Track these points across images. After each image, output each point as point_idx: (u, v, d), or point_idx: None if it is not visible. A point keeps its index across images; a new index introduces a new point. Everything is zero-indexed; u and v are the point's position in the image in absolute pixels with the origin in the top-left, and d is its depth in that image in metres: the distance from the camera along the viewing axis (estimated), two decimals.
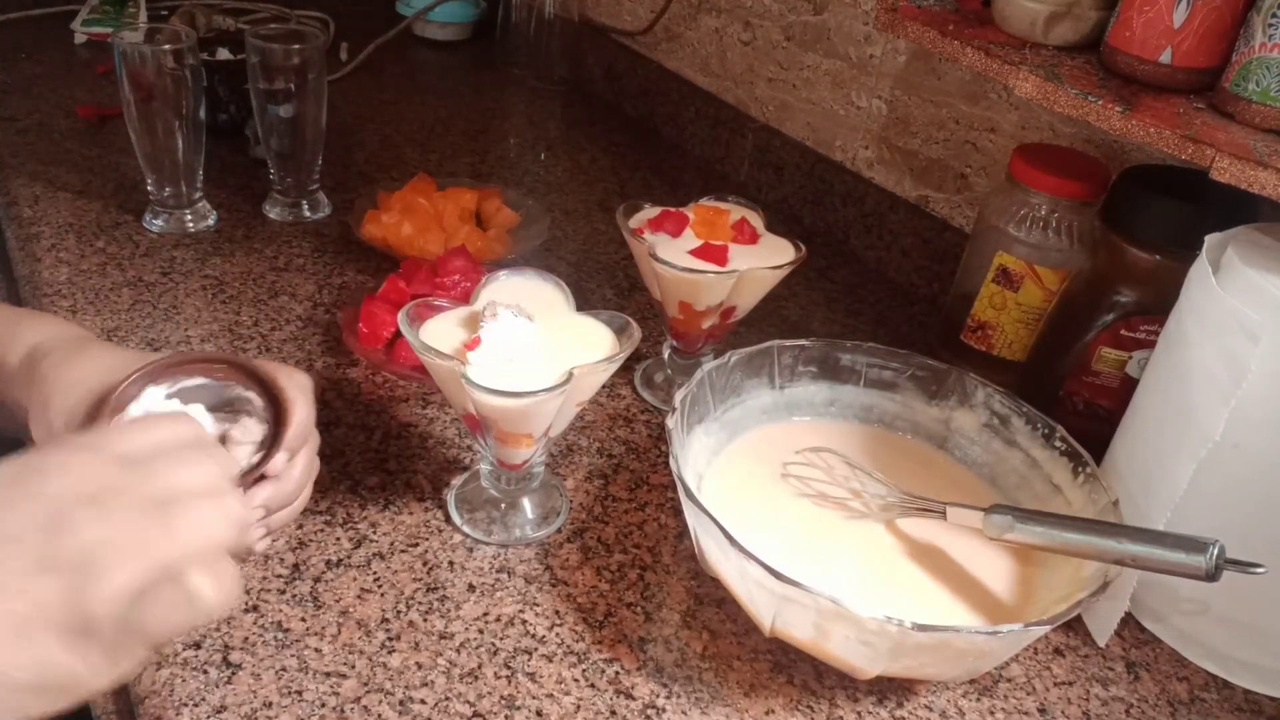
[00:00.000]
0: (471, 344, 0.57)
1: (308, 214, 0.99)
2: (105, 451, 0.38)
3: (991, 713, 0.58)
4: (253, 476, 0.46)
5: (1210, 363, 0.56)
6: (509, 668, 0.56)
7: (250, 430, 0.48)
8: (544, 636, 0.58)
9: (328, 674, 0.54)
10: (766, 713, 0.55)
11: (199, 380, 0.49)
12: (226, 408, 0.49)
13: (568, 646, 0.57)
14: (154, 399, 0.48)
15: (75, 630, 0.34)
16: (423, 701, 0.53)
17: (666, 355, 0.80)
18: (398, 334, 0.76)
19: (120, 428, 0.41)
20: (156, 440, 0.39)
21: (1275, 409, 0.55)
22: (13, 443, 0.61)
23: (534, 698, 0.54)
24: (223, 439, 0.47)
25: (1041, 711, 0.58)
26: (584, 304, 0.62)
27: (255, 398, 0.49)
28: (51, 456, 0.38)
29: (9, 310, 0.59)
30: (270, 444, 0.47)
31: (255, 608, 0.57)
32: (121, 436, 0.39)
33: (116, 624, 0.35)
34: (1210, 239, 0.59)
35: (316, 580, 0.59)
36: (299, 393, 0.49)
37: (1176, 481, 0.57)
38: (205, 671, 0.53)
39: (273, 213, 0.98)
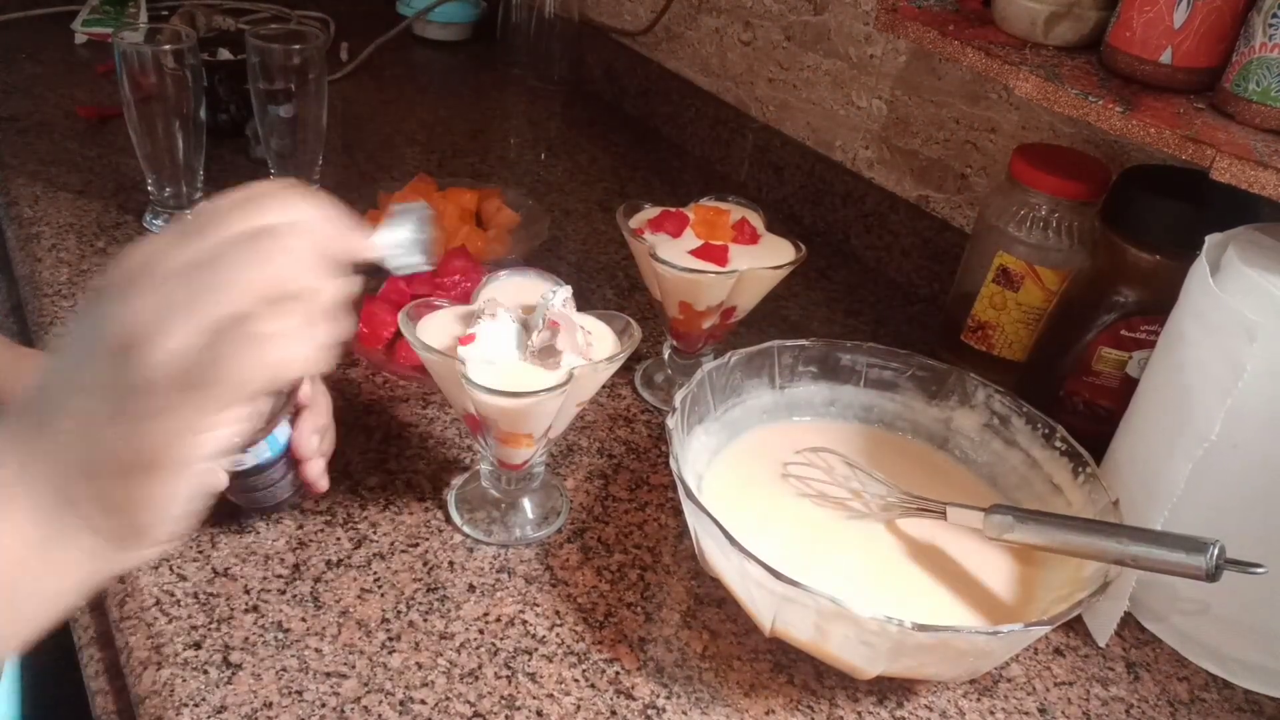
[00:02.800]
0: (465, 339, 0.57)
1: None
2: (171, 233, 0.37)
3: (991, 713, 0.58)
4: (290, 407, 0.54)
5: (1208, 362, 0.56)
6: (509, 668, 0.56)
7: None
8: (544, 637, 0.58)
9: (328, 674, 0.54)
10: (766, 713, 0.55)
11: None
12: None
13: (568, 647, 0.57)
14: None
15: (125, 414, 0.35)
16: (423, 702, 0.53)
17: (666, 355, 0.80)
18: (398, 334, 0.76)
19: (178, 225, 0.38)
20: (226, 210, 0.37)
21: (1272, 408, 0.55)
22: None
23: (534, 698, 0.54)
24: None
25: (1041, 711, 0.58)
26: (584, 304, 0.62)
27: None
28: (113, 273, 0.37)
29: (13, 355, 0.60)
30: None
31: (255, 608, 0.57)
32: (194, 218, 0.37)
33: (181, 383, 0.34)
34: (1210, 239, 0.59)
35: (317, 580, 0.59)
36: None
37: (1174, 481, 0.57)
38: (205, 671, 0.53)
39: None
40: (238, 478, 0.56)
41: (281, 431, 0.57)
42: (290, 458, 0.58)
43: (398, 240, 0.46)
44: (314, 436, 0.56)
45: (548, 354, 0.57)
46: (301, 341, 0.36)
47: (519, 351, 0.58)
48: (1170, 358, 0.60)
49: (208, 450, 0.36)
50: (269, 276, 0.35)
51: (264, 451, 0.56)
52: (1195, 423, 0.56)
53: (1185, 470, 0.56)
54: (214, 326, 0.34)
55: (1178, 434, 0.57)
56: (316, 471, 0.58)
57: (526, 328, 0.59)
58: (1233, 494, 0.58)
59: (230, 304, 0.35)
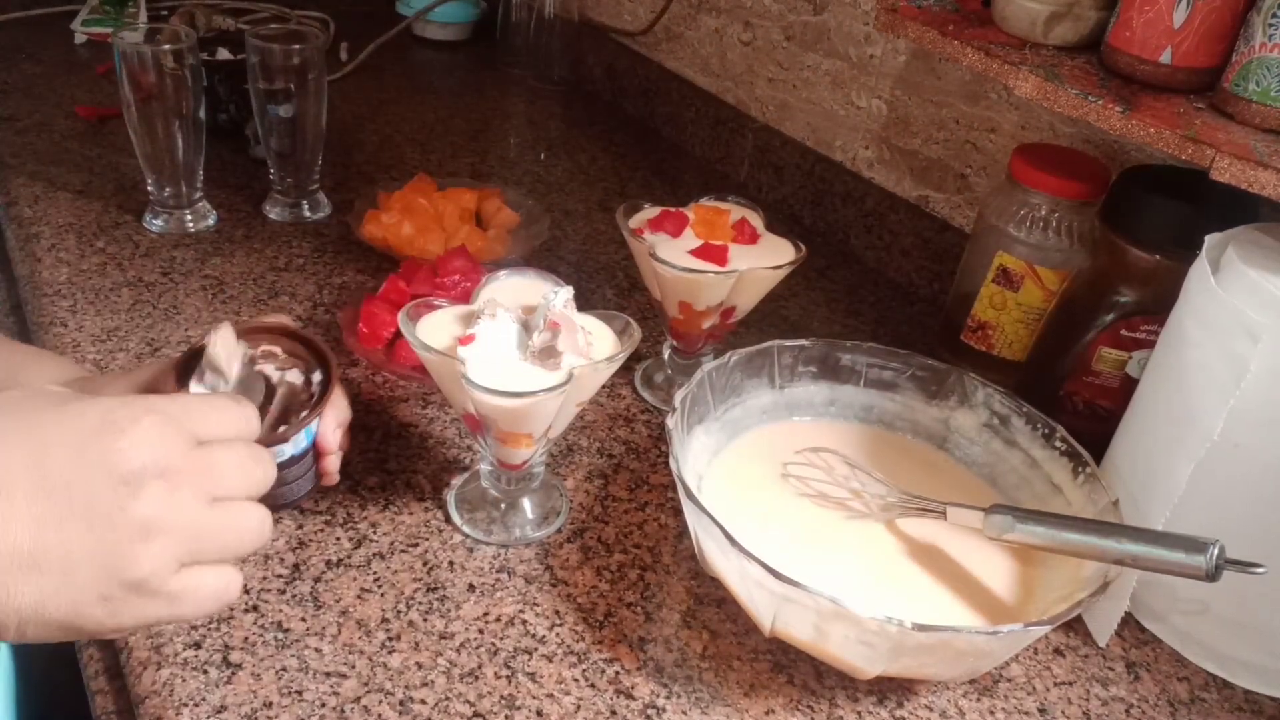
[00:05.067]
0: (465, 339, 0.57)
1: (308, 214, 0.99)
2: (180, 424, 0.41)
3: (991, 713, 0.58)
4: (324, 404, 0.55)
5: (1210, 362, 0.56)
6: (509, 668, 0.56)
7: (294, 375, 0.57)
8: (544, 636, 0.58)
9: (328, 674, 0.54)
10: (766, 713, 0.55)
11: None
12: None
13: (568, 646, 0.57)
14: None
15: (110, 587, 0.38)
16: (423, 701, 0.53)
17: (666, 355, 0.80)
18: (398, 334, 0.76)
19: (191, 399, 0.44)
20: (225, 426, 0.43)
21: (1270, 408, 0.55)
22: None
23: (534, 698, 0.54)
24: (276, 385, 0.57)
25: (1041, 711, 0.58)
26: (584, 304, 0.62)
27: (279, 351, 0.58)
28: (129, 412, 0.39)
29: (11, 351, 0.60)
30: (326, 376, 0.56)
31: (255, 608, 0.57)
32: (194, 412, 0.42)
33: (140, 590, 0.39)
34: (1210, 239, 0.59)
35: (317, 580, 0.59)
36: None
37: (1175, 481, 0.57)
38: (205, 671, 0.53)
39: (273, 213, 0.98)
40: None
41: (314, 425, 0.57)
42: (314, 452, 0.59)
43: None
44: (337, 430, 0.58)
45: (548, 354, 0.57)
46: (266, 521, 0.43)
47: (519, 352, 0.58)
48: (1171, 358, 0.60)
49: (198, 597, 0.41)
50: (255, 484, 0.43)
51: (302, 442, 0.56)
52: (1197, 423, 0.56)
53: (1187, 470, 0.56)
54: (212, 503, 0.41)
55: (1179, 434, 0.57)
56: (335, 465, 0.60)
57: (527, 328, 0.59)
58: (1233, 494, 0.58)
59: (226, 494, 0.41)
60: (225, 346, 0.53)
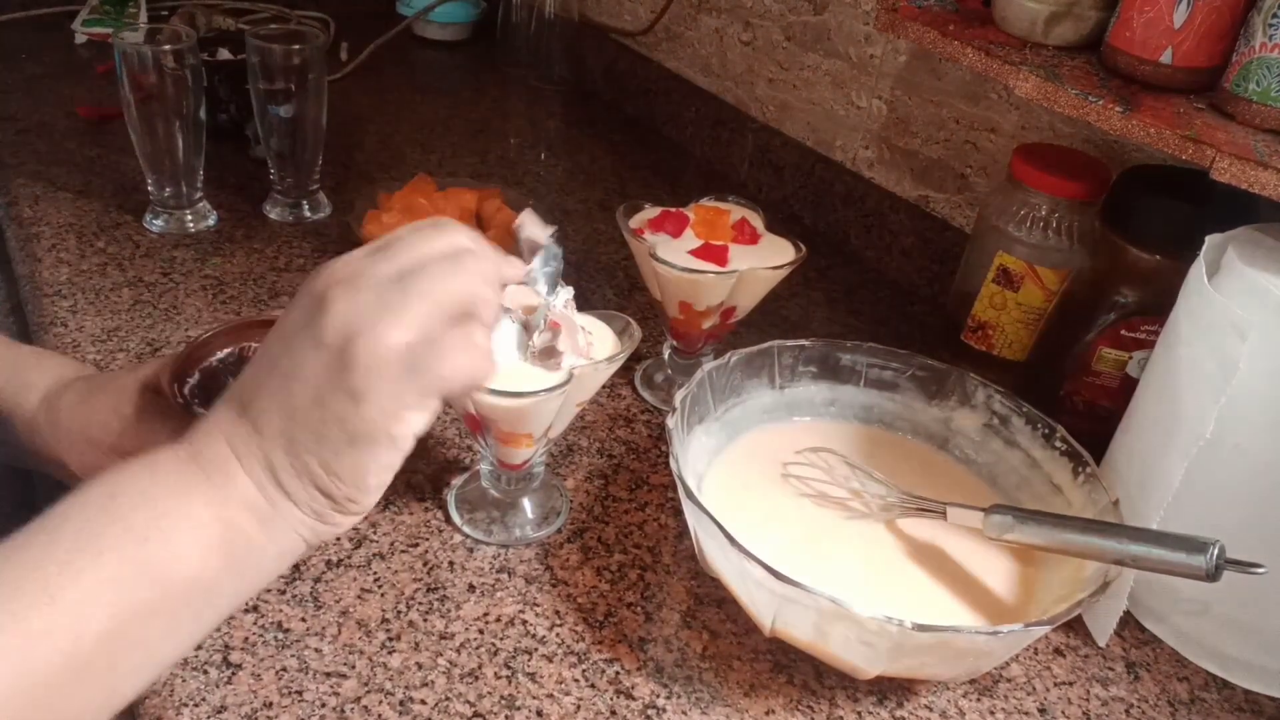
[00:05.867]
0: None
1: (308, 214, 0.99)
2: (367, 252, 0.42)
3: (991, 713, 0.58)
4: None
5: (1202, 361, 0.56)
6: (509, 668, 0.56)
7: None
8: (544, 637, 0.58)
9: (328, 674, 0.54)
10: (766, 713, 0.55)
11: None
12: None
13: (568, 646, 0.57)
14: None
15: (347, 393, 0.40)
16: (423, 702, 0.53)
17: (666, 355, 0.80)
18: None
19: (386, 240, 0.43)
20: (425, 250, 0.42)
21: (1268, 407, 0.55)
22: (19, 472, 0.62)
23: (534, 698, 0.54)
24: None
25: (1041, 711, 0.58)
26: (584, 304, 0.62)
27: None
28: (313, 296, 0.41)
29: (13, 352, 0.60)
30: None
31: (255, 608, 0.57)
32: (384, 250, 0.42)
33: (403, 367, 0.40)
34: (1210, 239, 0.59)
35: (317, 580, 0.59)
36: None
37: (1169, 479, 0.57)
38: (205, 671, 0.53)
39: (273, 213, 0.98)
40: None
41: None
42: None
43: (539, 271, 0.53)
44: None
45: (548, 354, 0.57)
46: (488, 352, 0.43)
47: (519, 352, 0.58)
48: (1167, 357, 0.60)
49: (414, 429, 0.41)
50: (465, 286, 0.42)
51: None
52: (1189, 422, 0.56)
53: (1180, 469, 0.56)
54: (425, 323, 0.40)
55: (1172, 433, 0.57)
56: None
57: (527, 328, 0.59)
58: (1233, 493, 0.58)
59: (437, 306, 0.41)
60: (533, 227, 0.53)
